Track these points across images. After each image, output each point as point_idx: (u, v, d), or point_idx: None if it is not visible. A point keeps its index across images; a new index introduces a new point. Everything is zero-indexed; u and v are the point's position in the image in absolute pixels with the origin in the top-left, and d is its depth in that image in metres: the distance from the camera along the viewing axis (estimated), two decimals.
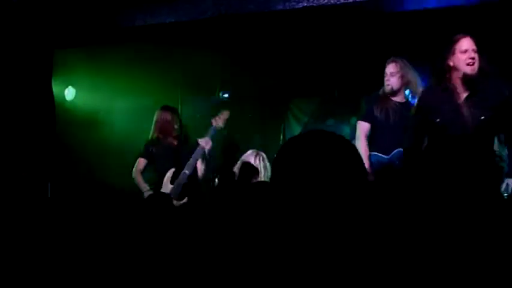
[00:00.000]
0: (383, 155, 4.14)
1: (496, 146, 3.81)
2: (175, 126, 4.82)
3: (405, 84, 4.25)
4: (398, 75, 4.20)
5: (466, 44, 3.52)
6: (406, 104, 4.26)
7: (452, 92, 3.56)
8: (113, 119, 6.35)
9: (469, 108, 3.52)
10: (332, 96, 6.43)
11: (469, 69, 3.50)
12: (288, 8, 4.60)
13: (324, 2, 4.56)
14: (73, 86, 6.09)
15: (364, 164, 1.42)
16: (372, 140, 4.22)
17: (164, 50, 5.87)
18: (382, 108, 4.19)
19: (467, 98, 3.53)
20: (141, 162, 4.87)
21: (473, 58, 3.49)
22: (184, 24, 5.02)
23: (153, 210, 3.19)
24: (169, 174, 4.69)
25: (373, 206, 1.46)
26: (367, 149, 4.18)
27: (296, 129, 6.84)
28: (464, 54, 3.50)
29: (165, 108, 4.87)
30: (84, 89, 6.18)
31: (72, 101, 6.14)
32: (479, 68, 3.51)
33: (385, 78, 4.23)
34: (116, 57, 5.80)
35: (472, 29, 3.66)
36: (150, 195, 3.99)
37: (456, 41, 3.55)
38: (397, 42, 5.35)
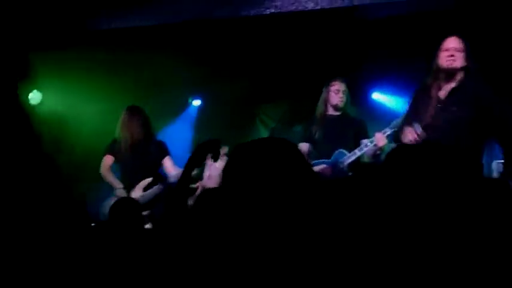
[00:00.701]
0: (326, 159, 4.52)
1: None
2: (140, 129, 4.70)
3: None
4: (346, 92, 4.63)
5: (449, 43, 3.57)
6: (344, 115, 4.66)
7: (436, 91, 3.60)
8: (81, 122, 6.27)
9: (450, 104, 3.53)
10: (300, 102, 6.45)
11: (447, 64, 3.53)
12: (255, 14, 4.64)
13: (292, 9, 4.62)
14: (39, 90, 5.98)
15: (310, 165, 1.50)
16: (316, 152, 4.66)
17: (133, 53, 5.82)
18: (320, 127, 4.63)
19: (448, 95, 3.55)
20: (108, 159, 4.80)
21: (452, 55, 3.53)
22: (154, 28, 5.00)
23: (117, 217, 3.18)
24: (145, 182, 4.64)
25: (328, 204, 1.49)
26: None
27: (264, 135, 6.82)
28: (446, 52, 3.55)
29: (130, 112, 4.75)
30: (51, 92, 6.08)
31: (38, 105, 6.03)
32: (463, 66, 3.54)
33: (338, 95, 4.59)
34: (83, 61, 5.73)
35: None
36: (115, 201, 3.90)
37: (443, 41, 3.61)
38: (369, 49, 5.40)
